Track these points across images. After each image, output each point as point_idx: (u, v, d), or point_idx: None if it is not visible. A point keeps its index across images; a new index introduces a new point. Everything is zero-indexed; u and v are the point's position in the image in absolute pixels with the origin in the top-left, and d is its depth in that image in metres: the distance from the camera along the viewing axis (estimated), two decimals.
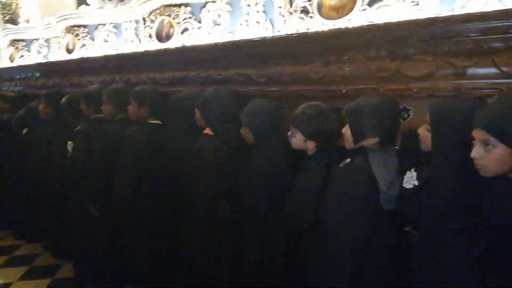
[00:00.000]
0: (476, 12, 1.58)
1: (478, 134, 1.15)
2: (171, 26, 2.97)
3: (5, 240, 3.77)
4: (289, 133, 1.82)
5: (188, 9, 2.85)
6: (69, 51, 4.10)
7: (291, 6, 2.25)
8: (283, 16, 2.35)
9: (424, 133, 1.41)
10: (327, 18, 2.09)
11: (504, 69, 1.47)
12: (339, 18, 2.03)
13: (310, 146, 1.76)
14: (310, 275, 1.73)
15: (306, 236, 1.75)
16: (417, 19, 1.70)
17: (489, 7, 1.67)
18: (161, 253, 2.38)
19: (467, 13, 1.60)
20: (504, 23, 1.48)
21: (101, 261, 2.62)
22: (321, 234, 1.61)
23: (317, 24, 2.10)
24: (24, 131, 3.40)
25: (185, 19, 2.87)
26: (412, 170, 1.42)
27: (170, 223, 2.28)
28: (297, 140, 1.78)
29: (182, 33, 2.90)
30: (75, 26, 3.90)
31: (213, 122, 2.10)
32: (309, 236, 1.73)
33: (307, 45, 2.04)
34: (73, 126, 2.80)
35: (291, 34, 2.10)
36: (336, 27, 2.00)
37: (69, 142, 2.71)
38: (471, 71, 1.54)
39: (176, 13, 2.90)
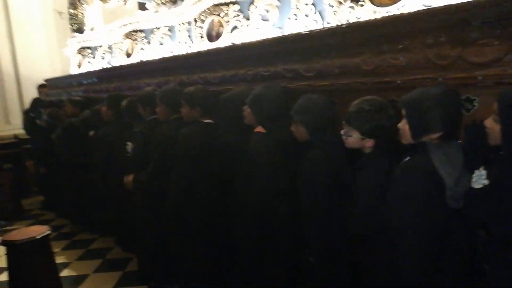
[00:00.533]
0: None
1: None
2: (221, 25, 2.99)
3: (81, 234, 4.11)
4: (342, 131, 1.72)
5: (237, 6, 2.85)
6: (128, 55, 4.32)
7: None
8: (333, 7, 2.25)
9: (492, 125, 1.26)
10: (379, 5, 1.96)
11: None
12: (393, 4, 1.90)
13: (368, 144, 1.66)
14: (371, 278, 1.64)
15: (367, 238, 1.66)
16: (480, 0, 1.52)
17: None
18: (216, 251, 2.41)
19: None
20: None
21: (159, 257, 2.72)
22: (382, 237, 1.51)
23: (369, 12, 1.98)
24: (91, 133, 3.63)
25: (234, 16, 2.88)
26: (481, 168, 1.28)
27: (223, 220, 2.29)
28: (354, 139, 1.66)
29: (231, 31, 2.91)
30: (133, 31, 4.09)
31: (264, 120, 2.07)
32: (370, 238, 1.63)
33: (357, 35, 1.92)
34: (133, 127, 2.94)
35: (340, 25, 2.00)
36: (390, 14, 1.87)
37: (129, 143, 2.84)
38: None
39: (225, 12, 2.91)
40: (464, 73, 1.52)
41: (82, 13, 5.47)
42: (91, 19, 5.50)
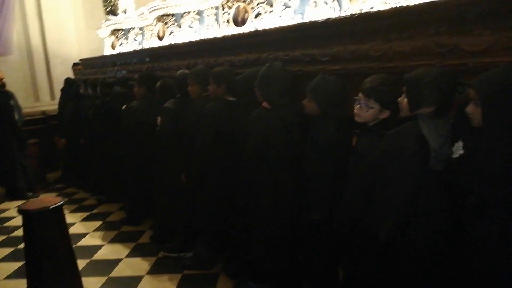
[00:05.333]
0: None
1: None
2: (246, 11, 3.22)
3: (100, 207, 4.51)
4: (358, 106, 1.89)
5: None
6: (160, 38, 4.60)
7: None
8: None
9: (473, 110, 1.44)
10: None
11: None
12: None
13: (383, 116, 1.85)
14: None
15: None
16: None
17: None
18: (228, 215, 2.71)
19: None
20: None
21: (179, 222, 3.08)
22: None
23: (380, 3, 2.17)
24: (124, 107, 3.95)
25: (258, 4, 3.09)
26: (459, 140, 1.49)
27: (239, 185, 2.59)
28: (374, 110, 1.84)
29: (256, 17, 3.14)
30: (164, 15, 4.36)
31: (269, 97, 2.35)
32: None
33: (368, 24, 2.13)
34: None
35: (353, 15, 2.20)
36: (398, 5, 2.05)
37: (159, 117, 3.15)
38: None
39: None
40: (458, 60, 1.72)
41: None
42: (124, 1, 5.80)
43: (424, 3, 1.89)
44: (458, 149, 1.47)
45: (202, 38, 3.77)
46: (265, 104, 2.38)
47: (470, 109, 1.46)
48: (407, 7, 1.95)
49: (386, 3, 2.14)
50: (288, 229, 2.32)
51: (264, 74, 2.34)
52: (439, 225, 1.59)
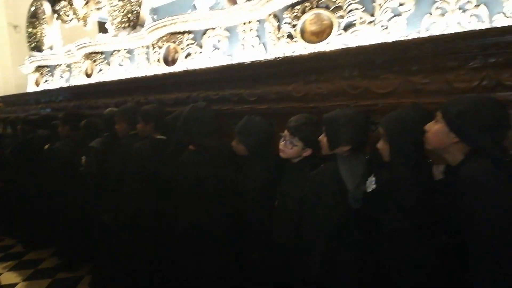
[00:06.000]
0: (433, 35, 1.79)
1: None
2: (176, 51, 3.27)
3: (29, 254, 4.09)
4: (283, 143, 1.97)
5: (191, 35, 3.14)
6: (88, 75, 4.47)
7: (279, 31, 2.50)
8: (273, 41, 2.60)
9: (383, 146, 1.60)
10: (309, 42, 2.32)
11: (455, 85, 1.66)
12: (319, 42, 2.26)
13: (307, 153, 1.95)
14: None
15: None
16: (383, 43, 1.91)
17: (450, 29, 1.88)
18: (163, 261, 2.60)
19: (424, 37, 1.81)
20: (455, 45, 1.67)
21: (114, 267, 2.87)
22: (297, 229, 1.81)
23: (301, 48, 2.33)
24: (46, 146, 3.72)
25: (188, 45, 3.16)
26: (372, 175, 1.61)
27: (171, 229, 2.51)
28: (298, 148, 1.94)
29: (186, 57, 3.19)
30: (93, 53, 4.27)
31: (194, 139, 2.33)
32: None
33: (291, 67, 2.26)
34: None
35: (277, 58, 2.34)
36: (316, 50, 2.22)
37: (83, 157, 3.01)
38: (427, 87, 1.73)
39: (180, 40, 3.20)
40: (369, 101, 1.89)
41: (41, 32, 5.54)
42: (50, 38, 5.59)
43: (338, 49, 2.07)
44: (371, 184, 1.59)
45: (133, 76, 3.73)
46: (192, 146, 2.37)
47: (380, 145, 1.61)
48: (324, 52, 2.12)
49: (305, 47, 2.30)
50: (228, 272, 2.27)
51: (187, 116, 2.32)
52: (359, 255, 1.68)
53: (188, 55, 3.16)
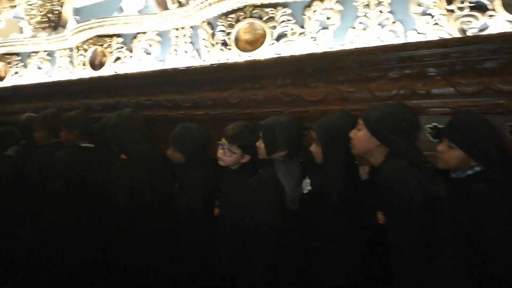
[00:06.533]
0: (357, 48, 1.95)
1: None
2: (104, 55, 3.13)
3: None
4: (222, 151, 1.98)
5: (120, 39, 3.04)
6: (1, 78, 4.07)
7: (213, 38, 2.53)
8: (207, 47, 2.62)
9: (315, 149, 1.70)
10: (243, 50, 2.38)
11: (377, 93, 1.83)
12: (253, 50, 2.33)
13: (245, 159, 1.98)
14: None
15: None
16: (312, 53, 2.04)
17: (372, 43, 2.06)
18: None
19: (350, 49, 1.97)
20: (377, 57, 1.85)
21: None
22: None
23: (235, 55, 2.38)
24: None
25: (117, 48, 3.05)
26: (307, 177, 1.71)
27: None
28: (236, 156, 1.96)
29: (114, 61, 3.07)
30: (7, 54, 3.91)
31: (123, 147, 2.24)
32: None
33: (226, 74, 2.31)
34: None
35: (212, 64, 2.36)
36: (251, 58, 2.29)
37: None
38: (353, 96, 1.89)
39: (109, 43, 3.07)
40: (301, 108, 2.00)
41: None
42: None
43: (272, 58, 2.16)
44: (307, 186, 1.68)
45: (54, 80, 3.49)
46: (123, 155, 2.27)
47: (313, 148, 1.71)
48: (259, 60, 2.19)
49: (240, 55, 2.36)
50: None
51: (114, 124, 2.22)
52: (296, 256, 1.76)
53: (117, 59, 3.05)
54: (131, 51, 3.02)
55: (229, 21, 2.39)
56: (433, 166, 1.54)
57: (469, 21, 1.76)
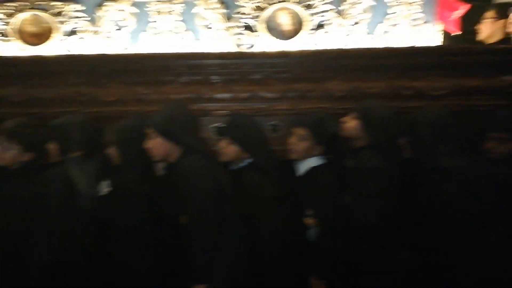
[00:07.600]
0: (151, 53, 2.07)
1: None
2: None
3: None
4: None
5: None
6: None
7: None
8: None
9: (113, 152, 1.74)
10: (29, 44, 2.18)
11: (171, 96, 2.00)
12: (40, 44, 2.17)
13: (26, 158, 1.78)
14: None
15: None
16: (106, 54, 2.06)
17: (166, 49, 2.19)
18: None
19: (144, 53, 2.08)
20: (170, 63, 2.02)
21: None
22: None
23: (17, 49, 2.16)
24: None
25: None
26: (107, 179, 1.74)
27: None
28: (15, 152, 1.74)
29: None
30: None
31: None
32: None
33: (7, 69, 2.07)
34: None
35: None
36: (37, 54, 2.12)
37: None
38: (149, 97, 2.01)
39: None
40: (97, 108, 2.00)
41: None
42: None
43: (63, 55, 2.08)
44: (105, 187, 1.71)
45: None
46: None
47: (111, 151, 1.75)
48: (47, 57, 2.06)
49: (23, 49, 2.15)
50: None
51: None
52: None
53: None
54: None
55: (9, 10, 2.14)
56: (219, 159, 1.81)
57: (241, 38, 2.12)
